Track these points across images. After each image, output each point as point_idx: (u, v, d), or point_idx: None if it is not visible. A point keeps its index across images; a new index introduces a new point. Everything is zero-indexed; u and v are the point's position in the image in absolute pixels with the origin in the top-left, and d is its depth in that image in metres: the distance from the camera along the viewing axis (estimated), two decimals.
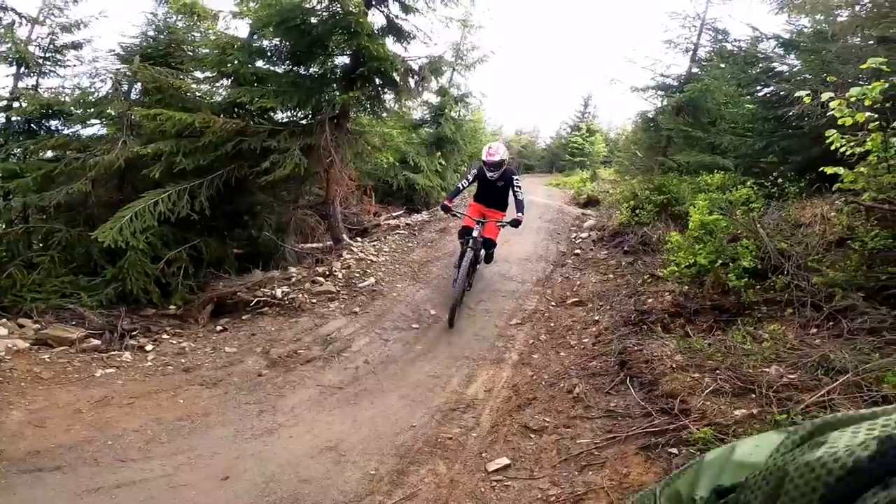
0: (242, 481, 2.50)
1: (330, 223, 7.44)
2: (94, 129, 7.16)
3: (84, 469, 2.66)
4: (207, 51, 6.62)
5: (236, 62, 6.43)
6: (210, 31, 6.81)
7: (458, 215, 5.44)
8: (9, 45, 6.49)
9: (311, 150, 6.50)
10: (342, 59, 6.80)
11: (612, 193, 11.41)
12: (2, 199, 6.43)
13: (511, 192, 5.22)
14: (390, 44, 6.66)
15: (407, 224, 9.08)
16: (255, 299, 5.53)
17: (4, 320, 4.50)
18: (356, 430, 3.20)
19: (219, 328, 5.13)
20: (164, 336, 4.95)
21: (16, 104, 6.64)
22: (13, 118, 6.67)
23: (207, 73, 7.01)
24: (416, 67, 6.70)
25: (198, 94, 7.09)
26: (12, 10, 6.49)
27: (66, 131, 6.99)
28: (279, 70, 6.79)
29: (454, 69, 12.10)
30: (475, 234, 4.97)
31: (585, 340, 4.41)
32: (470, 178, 5.30)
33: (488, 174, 5.08)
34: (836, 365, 2.71)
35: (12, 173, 6.26)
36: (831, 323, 3.33)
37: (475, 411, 3.49)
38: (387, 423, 3.32)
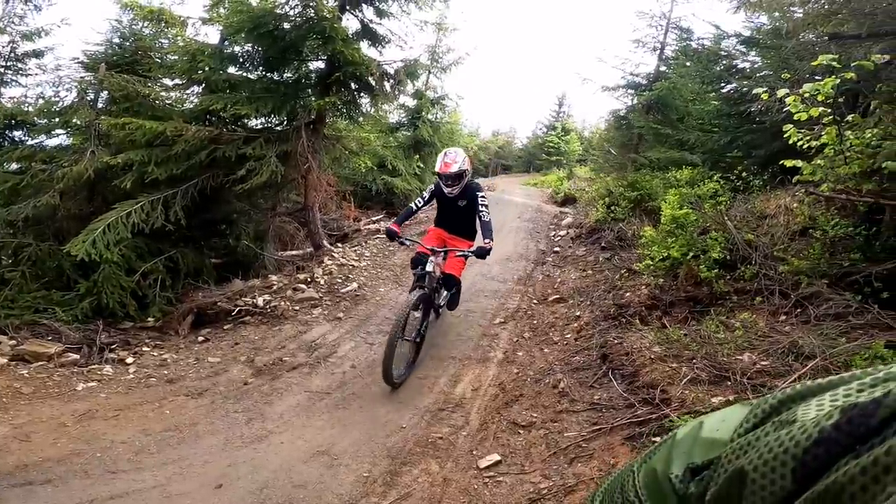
0: (237, 489, 2.51)
1: (310, 230, 7.40)
2: (60, 139, 6.97)
3: (75, 482, 2.65)
4: (176, 57, 6.51)
5: (207, 69, 6.33)
6: (179, 38, 6.69)
7: (408, 243, 4.15)
8: None
9: (288, 157, 6.47)
10: (317, 65, 6.79)
11: (588, 191, 11.67)
12: None
13: (476, 212, 4.19)
14: (365, 48, 6.69)
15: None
16: (237, 309, 5.48)
17: None
18: (347, 433, 3.22)
19: (200, 339, 5.07)
20: (145, 348, 4.88)
21: None
22: None
23: (177, 81, 6.90)
24: (391, 71, 6.74)
25: (168, 101, 6.97)
26: None
27: (30, 142, 6.78)
28: (252, 76, 6.73)
29: (430, 72, 12.17)
30: (430, 267, 3.91)
31: (568, 336, 4.52)
32: (426, 195, 4.27)
33: (446, 190, 4.10)
34: (805, 350, 2.86)
35: None
36: (799, 310, 3.50)
37: (463, 410, 3.55)
38: (377, 425, 3.35)
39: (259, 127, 6.94)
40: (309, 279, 6.31)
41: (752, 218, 4.99)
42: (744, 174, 6.11)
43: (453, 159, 4.03)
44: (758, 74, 6.02)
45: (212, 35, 7.15)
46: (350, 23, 6.53)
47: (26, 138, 6.88)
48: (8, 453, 2.83)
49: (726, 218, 4.80)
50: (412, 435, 3.24)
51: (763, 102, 4.29)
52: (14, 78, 6.94)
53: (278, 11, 5.84)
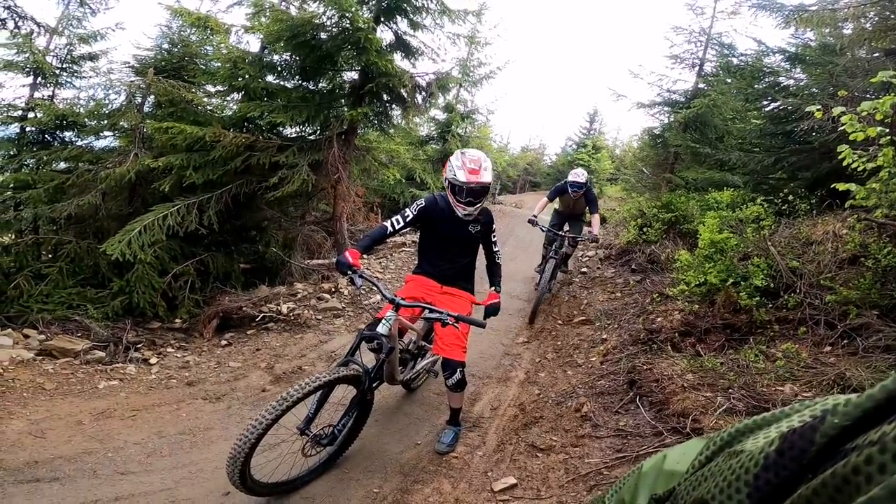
0: (244, 497, 2.43)
1: (336, 239, 7.44)
2: (107, 140, 7.25)
3: (83, 481, 2.61)
4: (219, 64, 6.72)
5: (247, 76, 6.52)
6: (222, 45, 6.91)
7: (359, 283, 2.59)
8: (27, 54, 6.55)
9: (319, 166, 6.55)
10: (351, 75, 6.89)
11: (619, 211, 11.39)
12: (13, 209, 6.47)
13: (488, 247, 3.06)
14: (398, 60, 6.75)
15: (413, 241, 9.09)
16: (261, 314, 5.52)
17: (9, 330, 4.51)
18: (360, 446, 3.12)
19: (223, 342, 5.11)
20: (169, 349, 4.94)
21: (31, 114, 6.71)
22: (28, 128, 6.74)
23: (219, 87, 7.11)
24: (423, 83, 6.78)
25: (209, 107, 7.17)
26: (31, 19, 6.54)
27: (79, 143, 7.05)
28: (289, 85, 6.88)
29: (461, 85, 12.21)
30: (384, 327, 2.57)
31: (593, 359, 4.33)
32: (410, 213, 2.89)
33: (460, 212, 2.82)
34: (852, 383, 2.66)
35: (24, 184, 6.32)
36: (845, 341, 3.27)
37: (481, 430, 3.42)
38: (391, 440, 3.25)
39: (293, 136, 7.08)
40: (333, 289, 6.32)
41: (797, 244, 4.71)
42: (789, 197, 5.79)
43: (480, 164, 2.74)
44: (804, 92, 5.73)
45: (253, 44, 7.34)
46: (384, 34, 6.61)
47: (76, 139, 7.15)
48: (21, 449, 2.84)
49: (769, 243, 4.54)
50: (426, 452, 3.13)
51: (813, 121, 4.06)
52: (69, 80, 7.20)
53: (316, 21, 5.96)
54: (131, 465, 2.80)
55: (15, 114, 6.68)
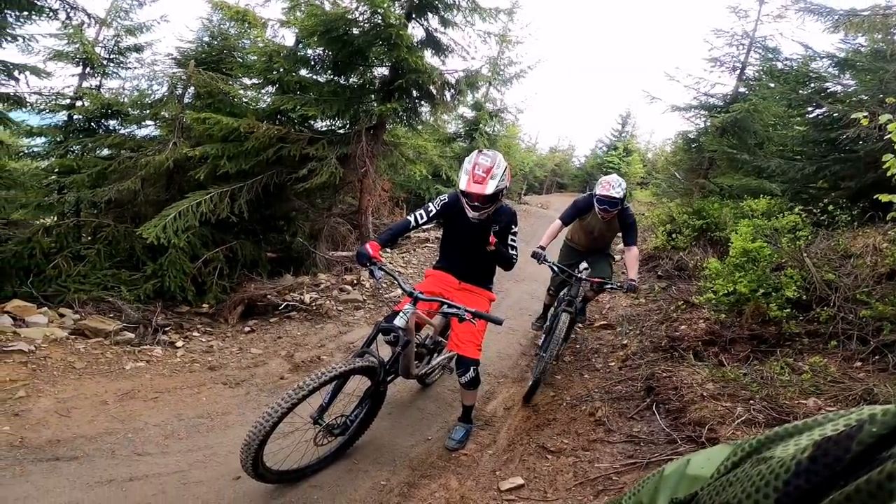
0: (253, 482, 2.49)
1: (361, 233, 7.53)
2: (148, 129, 7.53)
3: (101, 461, 2.67)
4: (255, 58, 6.89)
5: (282, 70, 6.65)
6: (259, 39, 7.08)
7: (379, 275, 2.64)
8: (77, 45, 6.84)
9: (348, 160, 6.64)
10: (381, 71, 6.94)
11: (648, 216, 11.13)
12: (57, 193, 6.80)
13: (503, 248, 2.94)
14: (428, 56, 6.76)
15: (437, 238, 9.11)
16: (284, 303, 5.63)
17: (45, 308, 4.70)
18: (372, 438, 3.15)
19: (247, 329, 5.23)
20: (195, 333, 5.07)
21: (79, 103, 7.02)
22: (75, 116, 7.05)
23: (254, 80, 7.29)
24: (452, 81, 6.77)
25: (244, 99, 7.36)
26: (83, 10, 6.79)
27: (122, 131, 7.34)
28: (321, 79, 6.99)
29: (490, 84, 12.11)
30: (401, 320, 2.56)
31: (612, 364, 4.25)
32: (433, 208, 2.95)
33: (470, 214, 2.81)
34: (879, 399, 2.57)
35: (69, 169, 6.62)
36: (877, 357, 3.15)
37: (493, 428, 3.41)
38: (403, 433, 3.27)
39: (323, 129, 7.19)
40: (355, 281, 6.41)
41: (834, 256, 4.51)
42: (829, 207, 5.52)
43: (488, 170, 2.70)
44: (852, 99, 5.46)
45: (288, 38, 7.49)
46: (415, 31, 6.64)
47: (119, 127, 7.45)
48: (45, 427, 2.91)
49: (805, 255, 4.36)
50: (436, 448, 3.14)
51: (859, 129, 3.87)
52: (115, 70, 7.51)
53: (349, 17, 6.03)
54: (149, 447, 2.85)
55: (63, 102, 7.00)
